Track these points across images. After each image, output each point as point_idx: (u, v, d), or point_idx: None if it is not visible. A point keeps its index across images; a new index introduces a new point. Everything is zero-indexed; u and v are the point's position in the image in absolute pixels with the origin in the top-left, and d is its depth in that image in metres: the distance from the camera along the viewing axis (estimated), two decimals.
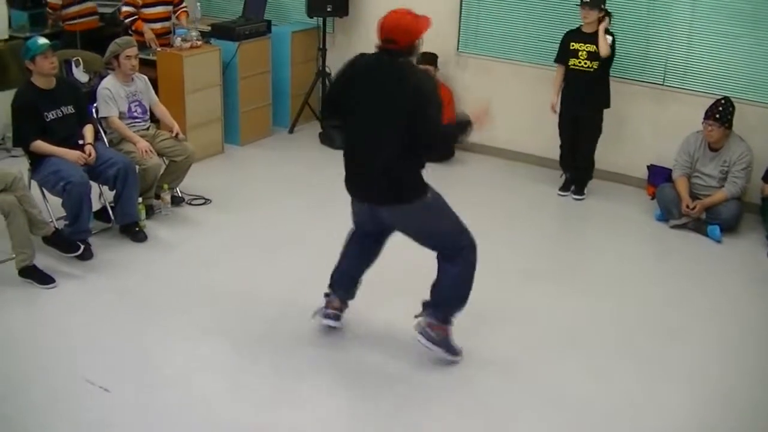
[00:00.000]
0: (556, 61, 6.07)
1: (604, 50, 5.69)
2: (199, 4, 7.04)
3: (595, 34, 5.73)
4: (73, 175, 4.74)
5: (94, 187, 5.05)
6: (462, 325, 3.93)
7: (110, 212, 5.22)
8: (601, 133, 6.05)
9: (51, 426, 3.45)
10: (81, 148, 4.93)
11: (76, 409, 3.54)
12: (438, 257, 3.84)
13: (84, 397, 3.62)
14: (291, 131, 7.48)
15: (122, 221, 5.16)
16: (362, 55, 3.72)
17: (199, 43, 6.53)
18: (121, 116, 5.34)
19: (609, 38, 5.71)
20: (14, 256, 4.53)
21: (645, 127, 6.30)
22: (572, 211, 6.04)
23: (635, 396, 3.81)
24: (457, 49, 6.92)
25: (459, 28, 6.87)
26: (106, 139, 5.35)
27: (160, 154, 5.44)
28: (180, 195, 5.75)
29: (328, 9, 7.05)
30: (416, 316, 3.94)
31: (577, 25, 5.92)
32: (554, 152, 6.31)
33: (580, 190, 6.19)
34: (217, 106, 6.73)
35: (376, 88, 3.58)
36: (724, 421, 3.68)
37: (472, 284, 3.84)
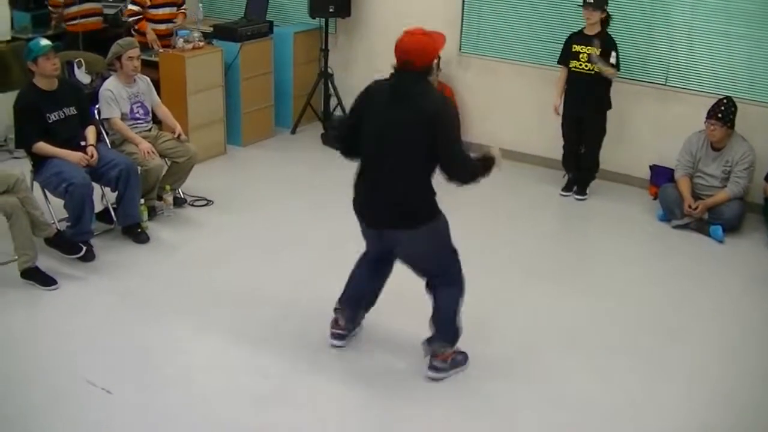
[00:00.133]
0: (558, 62, 6.07)
1: (609, 74, 5.73)
2: (201, 5, 7.05)
3: (597, 35, 5.75)
4: (75, 176, 4.75)
5: (96, 188, 5.07)
6: (464, 325, 3.91)
7: (112, 213, 5.23)
8: (605, 134, 6.05)
9: (52, 426, 3.46)
10: (83, 149, 4.94)
11: (77, 410, 3.56)
12: (430, 286, 3.78)
13: (85, 397, 3.63)
14: (293, 132, 7.48)
15: (124, 222, 5.17)
16: (377, 81, 3.62)
17: (202, 44, 6.53)
18: (123, 117, 5.34)
19: (613, 54, 5.72)
20: (16, 257, 4.54)
21: (647, 127, 6.29)
22: (574, 211, 6.04)
23: (636, 396, 3.81)
24: (460, 49, 6.91)
25: (461, 29, 6.86)
26: (108, 141, 5.36)
27: (162, 156, 5.44)
28: (182, 196, 5.76)
29: (331, 10, 7.05)
30: (423, 355, 3.89)
31: (580, 27, 5.91)
32: (557, 152, 6.30)
33: (582, 191, 6.18)
34: (220, 107, 6.73)
35: (393, 117, 3.48)
36: (724, 421, 3.67)
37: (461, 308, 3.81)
